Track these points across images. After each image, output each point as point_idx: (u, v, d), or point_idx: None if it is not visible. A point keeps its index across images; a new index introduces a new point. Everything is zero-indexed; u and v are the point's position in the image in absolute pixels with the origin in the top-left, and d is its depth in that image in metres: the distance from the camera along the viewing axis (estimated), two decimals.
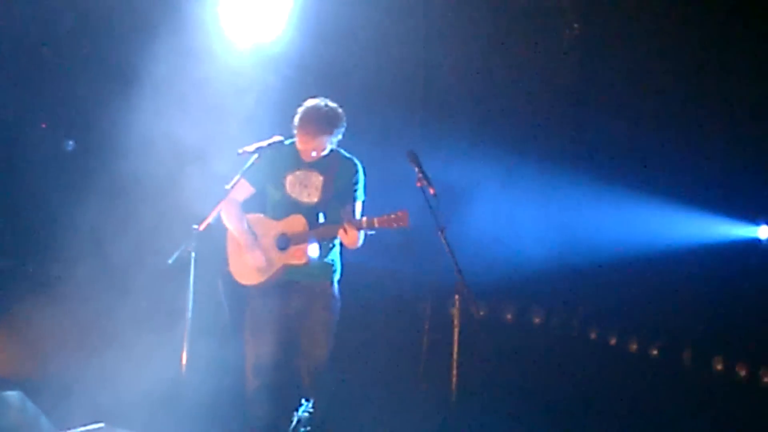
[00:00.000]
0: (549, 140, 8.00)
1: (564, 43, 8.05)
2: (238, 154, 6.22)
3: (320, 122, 6.24)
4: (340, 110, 6.31)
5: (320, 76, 6.40)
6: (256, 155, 6.20)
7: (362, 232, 6.14)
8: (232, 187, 6.22)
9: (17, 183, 8.00)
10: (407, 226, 6.01)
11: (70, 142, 8.13)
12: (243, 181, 6.27)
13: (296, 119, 6.29)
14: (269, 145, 6.23)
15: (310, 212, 6.29)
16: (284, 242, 6.33)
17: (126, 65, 7.80)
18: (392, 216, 6.00)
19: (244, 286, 6.48)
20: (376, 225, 6.04)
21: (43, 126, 8.12)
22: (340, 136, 6.33)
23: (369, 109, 7.72)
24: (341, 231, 6.11)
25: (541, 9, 8.13)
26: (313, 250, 6.26)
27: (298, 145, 6.32)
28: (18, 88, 7.99)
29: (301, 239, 6.27)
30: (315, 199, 6.32)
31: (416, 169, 6.08)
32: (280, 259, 6.33)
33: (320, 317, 6.35)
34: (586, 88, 8.05)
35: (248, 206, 6.51)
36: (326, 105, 6.29)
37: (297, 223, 6.29)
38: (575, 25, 8.01)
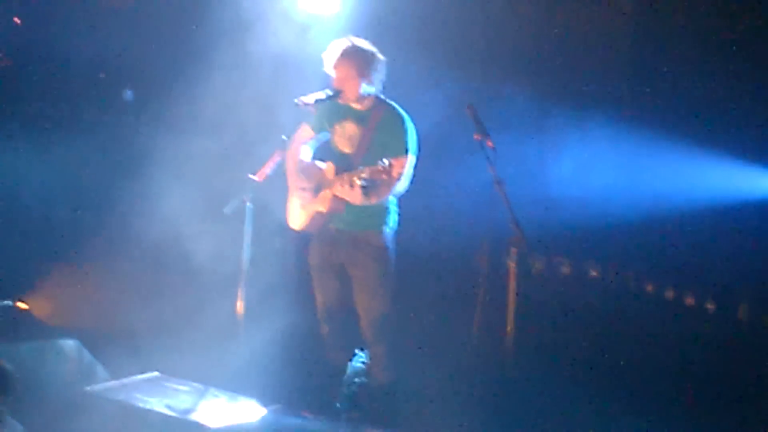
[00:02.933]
0: (607, 96, 7.90)
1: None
2: (295, 103, 6.21)
3: (342, 58, 6.18)
4: (367, 48, 6.23)
5: (378, 37, 6.32)
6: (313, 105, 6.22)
7: (359, 186, 5.95)
8: (290, 137, 6.24)
9: (82, 142, 8.07)
10: (395, 176, 5.95)
11: (128, 92, 8.19)
12: (304, 124, 6.48)
13: (324, 56, 6.26)
14: (326, 95, 6.22)
15: (343, 162, 6.26)
16: (317, 189, 6.35)
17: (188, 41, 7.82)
18: (379, 167, 5.85)
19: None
20: (364, 175, 5.92)
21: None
22: (375, 81, 6.20)
23: (427, 67, 7.66)
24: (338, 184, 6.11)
25: None
26: (334, 199, 6.21)
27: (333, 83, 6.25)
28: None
29: (326, 186, 6.27)
30: (349, 150, 6.29)
31: (475, 123, 6.06)
32: (312, 205, 6.36)
33: (369, 268, 6.27)
34: (647, 42, 7.93)
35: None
36: (352, 42, 6.22)
37: (329, 170, 6.32)
38: None
